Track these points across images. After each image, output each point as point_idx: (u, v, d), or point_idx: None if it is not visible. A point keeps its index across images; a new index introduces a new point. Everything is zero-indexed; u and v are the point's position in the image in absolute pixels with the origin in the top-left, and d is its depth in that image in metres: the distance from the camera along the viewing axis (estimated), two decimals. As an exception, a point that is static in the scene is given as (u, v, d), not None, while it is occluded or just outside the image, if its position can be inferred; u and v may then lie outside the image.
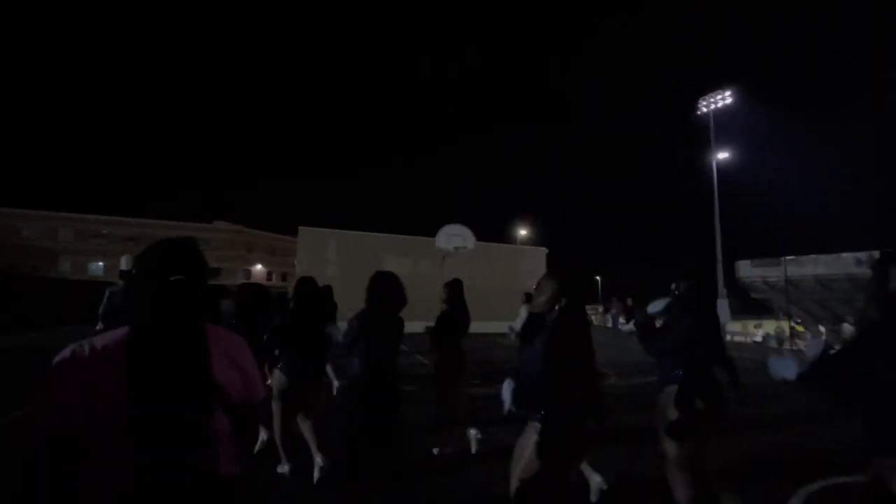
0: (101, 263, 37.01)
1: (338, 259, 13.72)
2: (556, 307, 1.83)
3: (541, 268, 16.81)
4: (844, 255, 20.24)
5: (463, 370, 3.72)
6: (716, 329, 2.46)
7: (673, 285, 2.52)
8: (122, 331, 1.01)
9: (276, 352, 3.04)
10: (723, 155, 23.80)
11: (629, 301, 14.47)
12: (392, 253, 14.73)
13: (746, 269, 24.94)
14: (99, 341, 0.98)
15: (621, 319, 14.57)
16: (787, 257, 22.62)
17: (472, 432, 3.61)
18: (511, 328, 4.22)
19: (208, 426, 1.01)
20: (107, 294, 3.53)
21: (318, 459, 2.98)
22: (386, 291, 2.33)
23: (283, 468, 3.07)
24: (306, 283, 3.19)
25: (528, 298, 8.48)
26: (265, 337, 2.95)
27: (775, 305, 22.82)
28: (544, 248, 15.51)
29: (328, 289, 4.67)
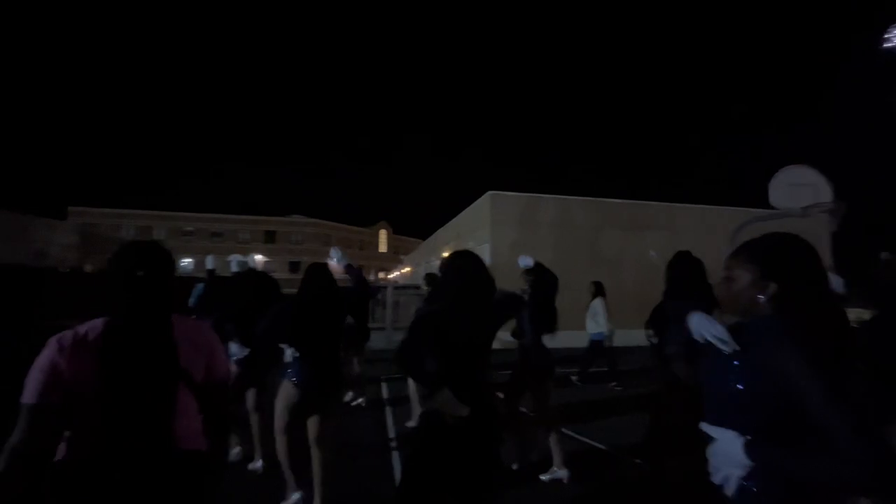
0: (189, 260, 37.33)
1: (546, 234, 9.99)
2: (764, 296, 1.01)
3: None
4: None
5: (546, 376, 3.19)
6: None
7: (883, 254, 1.88)
8: (100, 321, 1.17)
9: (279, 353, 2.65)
10: None
11: None
12: (623, 227, 10.62)
13: None
14: (81, 330, 1.15)
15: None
16: None
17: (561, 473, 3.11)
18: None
19: (170, 405, 1.17)
20: (196, 288, 4.07)
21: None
22: (468, 277, 1.71)
23: (257, 465, 3.12)
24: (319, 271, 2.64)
25: (599, 290, 6.24)
26: (262, 332, 2.54)
27: None
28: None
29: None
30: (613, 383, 6.08)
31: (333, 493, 2.54)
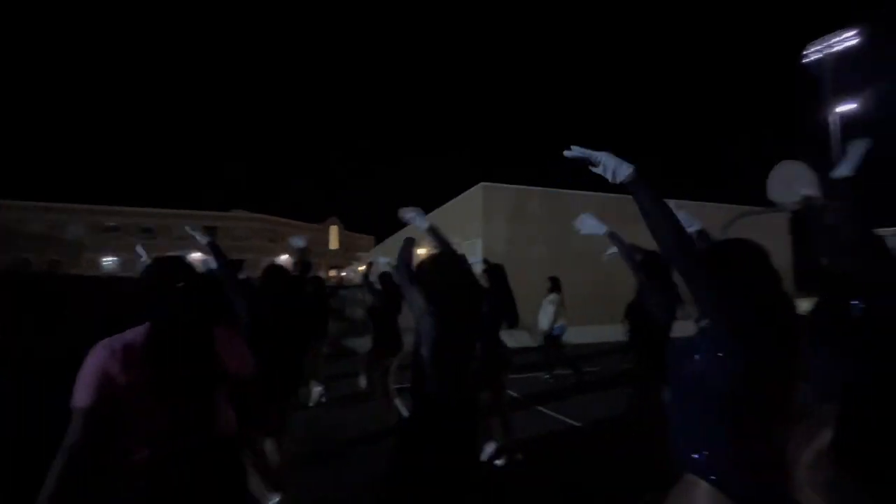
0: (114, 258, 33.54)
1: (539, 228, 9.65)
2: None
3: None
4: None
5: (504, 368, 3.43)
6: None
7: (823, 259, 1.92)
8: (142, 328, 1.29)
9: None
10: (844, 107, 20.77)
11: None
12: (620, 222, 10.61)
13: (891, 241, 21.89)
14: (127, 336, 1.27)
15: None
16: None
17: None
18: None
19: (214, 404, 1.31)
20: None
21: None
22: (448, 279, 1.75)
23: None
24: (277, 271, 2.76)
25: (556, 285, 6.30)
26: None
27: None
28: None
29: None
30: (547, 376, 6.33)
31: (303, 484, 2.65)
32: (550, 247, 9.64)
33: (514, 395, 5.37)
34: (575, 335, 8.24)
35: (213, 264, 3.72)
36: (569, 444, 3.77)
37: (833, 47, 21.29)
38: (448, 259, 1.84)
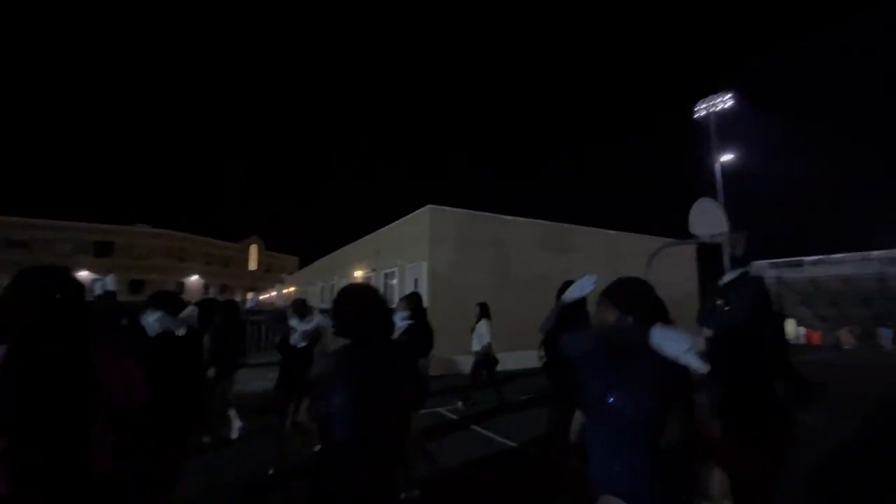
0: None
1: (483, 253, 9.58)
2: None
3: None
4: (875, 253, 21.30)
5: (420, 398, 3.52)
6: None
7: (719, 301, 2.16)
8: (3, 346, 1.11)
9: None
10: (726, 157, 24.48)
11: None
12: (564, 249, 10.83)
13: (763, 271, 25.79)
14: None
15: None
16: (811, 258, 23.60)
17: None
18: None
19: (88, 429, 1.14)
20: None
21: None
22: (372, 313, 1.67)
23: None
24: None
25: (485, 311, 6.33)
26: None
27: (786, 308, 23.65)
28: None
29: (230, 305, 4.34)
30: (459, 403, 6.07)
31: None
32: (493, 272, 9.81)
33: (454, 417, 5.60)
34: (515, 360, 8.34)
35: (110, 286, 3.12)
36: (502, 462, 4.13)
37: (715, 106, 25.12)
38: (370, 294, 1.75)
